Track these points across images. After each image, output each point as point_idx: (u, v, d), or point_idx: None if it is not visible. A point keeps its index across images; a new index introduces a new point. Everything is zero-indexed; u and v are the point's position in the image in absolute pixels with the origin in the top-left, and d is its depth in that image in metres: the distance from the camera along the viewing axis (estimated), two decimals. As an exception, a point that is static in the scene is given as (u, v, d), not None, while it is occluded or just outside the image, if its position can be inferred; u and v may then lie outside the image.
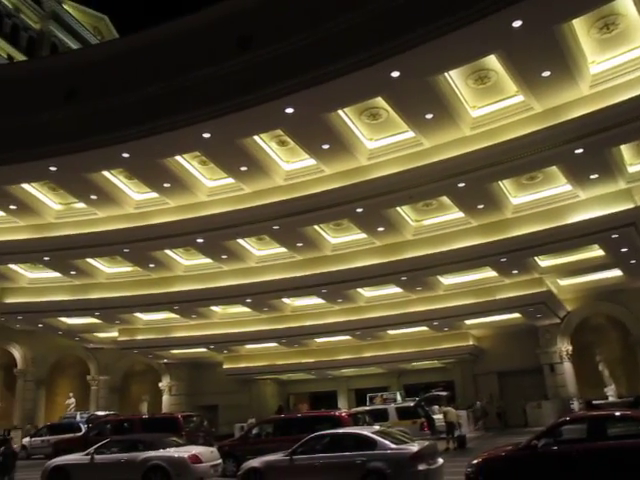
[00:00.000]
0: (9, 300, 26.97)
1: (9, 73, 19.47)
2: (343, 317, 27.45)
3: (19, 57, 60.47)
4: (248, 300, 25.49)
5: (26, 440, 28.26)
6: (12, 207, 20.51)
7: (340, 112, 15.91)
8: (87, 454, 15.82)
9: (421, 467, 11.57)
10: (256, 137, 16.92)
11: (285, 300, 26.95)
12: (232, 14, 15.53)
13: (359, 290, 25.82)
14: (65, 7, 68.83)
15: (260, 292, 24.16)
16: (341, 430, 13.96)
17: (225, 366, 34.38)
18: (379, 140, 17.43)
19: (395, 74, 13.65)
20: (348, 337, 30.51)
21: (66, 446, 21.49)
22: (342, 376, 35.79)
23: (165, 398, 36.17)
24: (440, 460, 12.56)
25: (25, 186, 19.63)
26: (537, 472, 10.24)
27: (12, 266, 25.02)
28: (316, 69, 13.90)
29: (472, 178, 17.07)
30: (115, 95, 16.27)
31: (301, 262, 22.89)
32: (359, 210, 18.84)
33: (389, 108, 15.70)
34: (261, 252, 23.35)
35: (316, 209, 18.53)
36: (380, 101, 15.43)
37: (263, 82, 14.62)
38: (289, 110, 15.01)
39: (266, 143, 17.49)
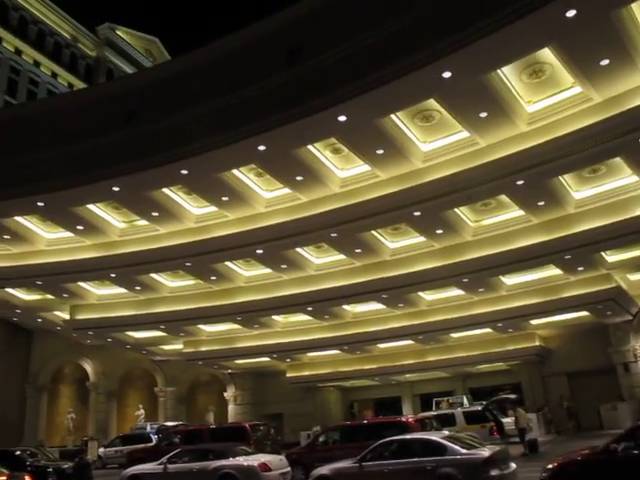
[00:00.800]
0: (80, 316, 28.08)
1: (72, 101, 20.34)
2: (405, 322, 27.20)
3: (79, 84, 63.30)
4: (309, 308, 25.65)
5: (101, 450, 29.27)
6: (79, 227, 21.42)
7: (393, 116, 15.88)
8: (160, 463, 16.30)
9: (494, 472, 11.33)
10: (310, 146, 17.08)
11: (346, 307, 26.94)
12: (279, 28, 15.85)
13: (420, 294, 25.55)
14: (118, 33, 71.61)
15: (320, 300, 24.26)
16: (409, 436, 13.86)
17: (288, 374, 34.64)
18: (433, 142, 17.28)
19: (446, 75, 13.55)
20: (411, 342, 30.20)
21: (139, 456, 22.21)
22: (406, 381, 35.44)
23: (231, 408, 36.72)
24: (513, 465, 12.27)
25: (90, 207, 20.44)
26: (617, 477, 9.83)
27: (81, 284, 26.02)
28: (366, 75, 14.00)
29: (531, 175, 16.67)
30: (171, 114, 16.82)
31: (360, 268, 22.86)
32: (417, 214, 18.69)
33: (442, 109, 15.55)
34: (320, 260, 23.47)
35: (373, 215, 18.51)
36: (433, 103, 15.30)
37: (314, 92, 14.82)
38: (342, 118, 15.13)
39: (320, 152, 17.62)
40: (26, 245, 23.05)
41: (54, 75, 64.85)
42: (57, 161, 18.43)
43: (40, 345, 36.94)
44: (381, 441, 13.18)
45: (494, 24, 12.20)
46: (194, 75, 17.13)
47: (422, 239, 21.51)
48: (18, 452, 19.80)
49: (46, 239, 23.03)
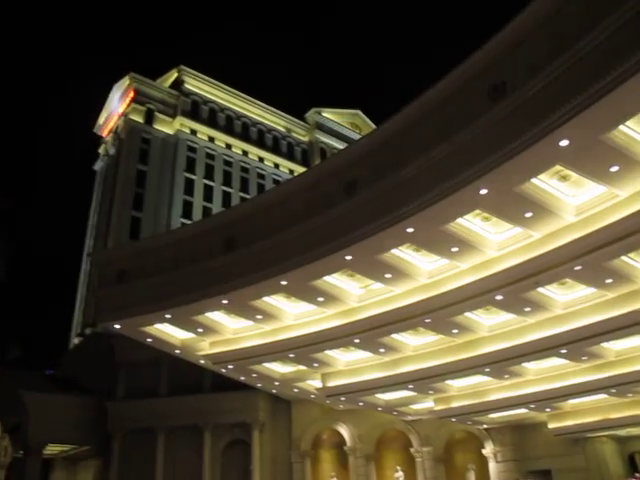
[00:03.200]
0: (331, 383, 29.40)
1: (296, 185, 22.06)
2: (686, 353, 23.47)
3: (298, 169, 69.62)
4: (563, 351, 23.46)
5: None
6: (320, 299, 22.76)
7: (621, 127, 14.37)
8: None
9: None
10: (534, 179, 16.19)
11: (605, 344, 24.17)
12: (478, 71, 15.81)
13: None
14: (324, 115, 77.75)
15: (573, 340, 22.00)
16: None
17: (550, 426, 31.75)
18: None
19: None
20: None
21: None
22: (699, 424, 30.21)
23: (492, 465, 34.67)
24: None
25: (327, 278, 21.61)
26: None
27: (328, 352, 27.32)
28: (581, 92, 13.04)
29: None
30: (388, 176, 17.38)
31: (614, 300, 20.36)
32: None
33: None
34: (566, 297, 21.47)
35: (622, 237, 16.55)
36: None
37: (527, 123, 14.21)
38: (564, 143, 14.23)
39: (546, 182, 16.58)
40: (276, 322, 25.16)
41: (276, 165, 72.45)
42: (292, 242, 20.12)
43: (298, 413, 39.26)
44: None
45: None
46: (402, 135, 17.63)
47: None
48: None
49: (293, 314, 24.88)
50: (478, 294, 19.80)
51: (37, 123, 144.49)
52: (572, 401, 29.79)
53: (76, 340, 60.10)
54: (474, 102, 15.69)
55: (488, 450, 34.85)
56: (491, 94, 15.33)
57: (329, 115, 77.76)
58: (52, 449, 40.77)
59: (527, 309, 21.48)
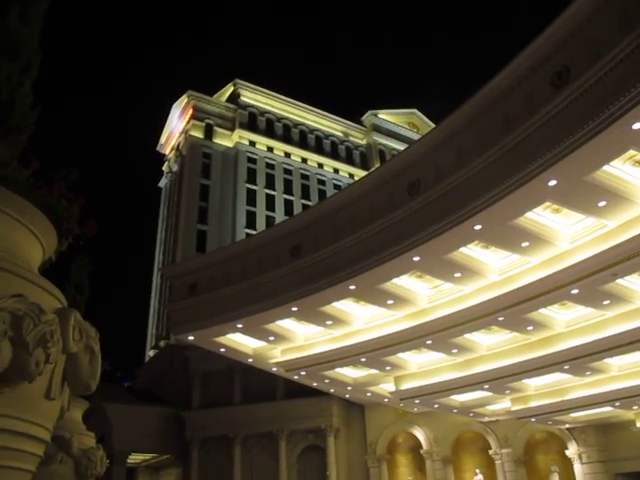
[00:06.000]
0: (404, 386, 29.07)
1: (358, 188, 22.00)
2: None
3: (357, 172, 69.56)
4: (647, 345, 22.44)
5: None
6: (389, 302, 22.58)
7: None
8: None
9: None
10: (606, 167, 15.52)
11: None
12: (539, 59, 15.39)
13: None
14: (381, 116, 77.37)
15: (659, 333, 21.05)
16: None
17: (639, 424, 30.34)
18: None
19: None
20: None
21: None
22: None
23: (577, 467, 33.29)
24: None
25: (395, 280, 21.44)
26: None
27: (400, 355, 27.06)
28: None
29: None
30: (451, 174, 17.13)
31: None
32: None
33: None
34: (648, 287, 20.58)
35: None
36: None
37: (595, 109, 13.67)
38: (637, 126, 13.54)
39: (619, 169, 15.86)
40: (346, 326, 25.14)
41: (336, 171, 72.66)
42: (357, 246, 20.10)
43: (372, 417, 39.03)
44: None
45: None
46: (463, 131, 17.32)
47: None
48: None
49: (362, 318, 24.80)
50: (552, 289, 19.09)
51: (106, 149, 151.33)
52: (660, 397, 28.31)
53: (151, 352, 62.10)
54: (536, 92, 15.33)
55: (572, 451, 33.44)
56: (555, 81, 14.89)
57: (386, 116, 77.39)
58: (135, 458, 42.27)
59: (606, 302, 20.57)
